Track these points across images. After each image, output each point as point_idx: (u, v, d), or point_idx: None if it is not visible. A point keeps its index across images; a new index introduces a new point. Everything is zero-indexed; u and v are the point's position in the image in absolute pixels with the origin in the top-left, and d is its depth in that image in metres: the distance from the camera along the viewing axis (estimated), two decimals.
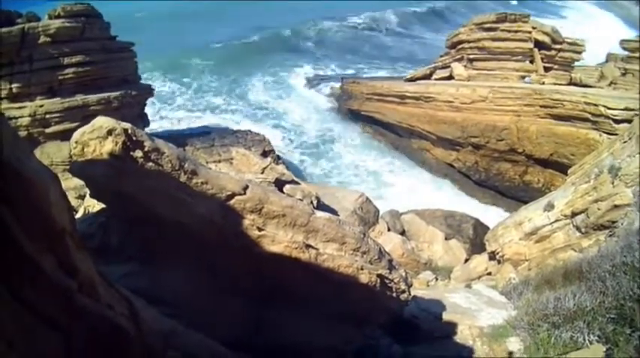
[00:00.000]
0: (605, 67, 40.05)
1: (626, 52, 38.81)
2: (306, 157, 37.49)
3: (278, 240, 6.39)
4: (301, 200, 11.13)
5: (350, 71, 54.34)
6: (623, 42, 40.07)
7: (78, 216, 9.38)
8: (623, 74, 37.43)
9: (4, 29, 25.56)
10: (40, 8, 29.26)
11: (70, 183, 17.13)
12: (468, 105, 34.11)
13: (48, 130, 26.98)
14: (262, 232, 6.34)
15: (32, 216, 3.33)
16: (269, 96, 48.28)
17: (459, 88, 35.24)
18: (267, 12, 76.65)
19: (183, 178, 5.93)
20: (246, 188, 6.28)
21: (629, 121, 22.52)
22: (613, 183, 14.43)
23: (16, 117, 25.85)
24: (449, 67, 38.68)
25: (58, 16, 27.91)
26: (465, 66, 38.04)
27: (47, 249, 3.56)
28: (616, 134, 22.26)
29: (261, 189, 6.54)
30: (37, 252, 3.43)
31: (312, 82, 51.23)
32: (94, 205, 8.95)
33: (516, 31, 36.15)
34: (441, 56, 40.79)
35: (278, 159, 30.54)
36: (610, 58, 42.01)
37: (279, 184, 17.39)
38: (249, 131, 35.30)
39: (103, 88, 29.57)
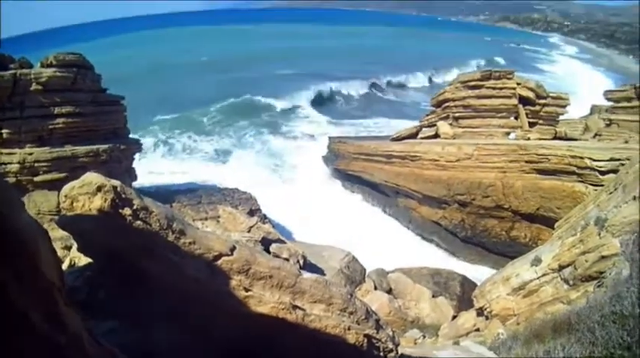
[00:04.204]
0: (590, 119, 40.44)
1: (610, 103, 39.29)
2: (292, 216, 37.28)
3: (265, 301, 6.37)
4: (287, 259, 11.13)
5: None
6: (607, 92, 40.59)
7: (64, 266, 9.28)
8: (608, 125, 37.83)
9: None
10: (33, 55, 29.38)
11: (57, 233, 16.67)
12: (453, 163, 34.43)
13: (36, 179, 26.74)
14: (249, 293, 6.32)
15: (23, 271, 3.34)
16: (255, 155, 49.05)
17: (444, 146, 35.61)
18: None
19: (171, 237, 5.95)
20: (233, 249, 6.32)
21: (615, 171, 22.45)
22: (600, 234, 14.48)
23: (5, 163, 25.70)
24: (434, 125, 39.11)
25: (50, 65, 27.84)
26: (451, 124, 38.45)
27: (37, 304, 3.55)
28: (602, 185, 22.24)
29: (248, 250, 6.57)
30: (27, 307, 3.42)
31: (300, 140, 51.96)
32: (80, 257, 8.88)
33: (501, 88, 36.73)
34: (427, 115, 41.23)
35: (264, 218, 30.41)
36: (594, 109, 42.47)
37: (266, 243, 17.36)
38: (236, 189, 35.26)
39: (92, 139, 29.54)
